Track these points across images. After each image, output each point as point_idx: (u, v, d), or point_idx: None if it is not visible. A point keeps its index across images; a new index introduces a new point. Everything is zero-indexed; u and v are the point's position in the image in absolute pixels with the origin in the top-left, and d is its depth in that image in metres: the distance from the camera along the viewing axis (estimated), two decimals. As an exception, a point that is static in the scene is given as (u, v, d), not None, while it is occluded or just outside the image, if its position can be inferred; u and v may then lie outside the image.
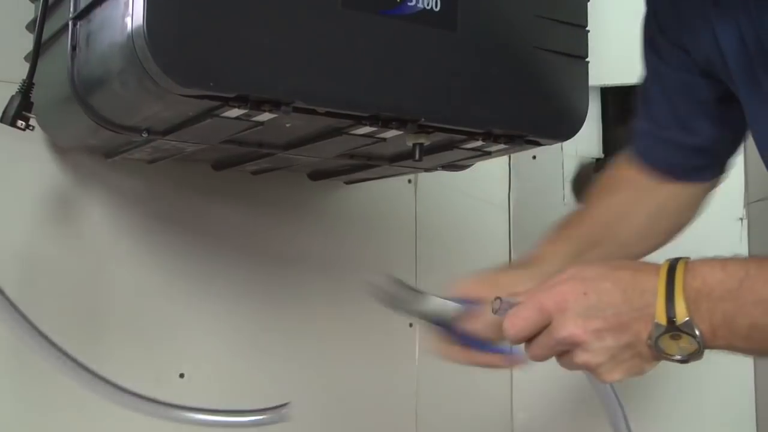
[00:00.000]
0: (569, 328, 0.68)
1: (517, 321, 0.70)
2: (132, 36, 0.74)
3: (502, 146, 1.00)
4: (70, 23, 0.87)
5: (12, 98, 0.94)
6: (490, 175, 1.54)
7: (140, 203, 1.20)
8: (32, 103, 0.95)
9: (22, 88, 0.94)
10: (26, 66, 1.04)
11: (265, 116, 0.82)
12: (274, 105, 0.80)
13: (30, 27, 1.03)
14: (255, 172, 1.25)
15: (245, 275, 1.29)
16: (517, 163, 1.58)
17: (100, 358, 1.15)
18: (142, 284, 1.20)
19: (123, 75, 0.79)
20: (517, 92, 0.96)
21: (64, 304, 1.13)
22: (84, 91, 0.87)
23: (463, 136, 0.98)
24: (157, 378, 1.20)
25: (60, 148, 1.13)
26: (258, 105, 0.79)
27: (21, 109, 0.94)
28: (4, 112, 0.94)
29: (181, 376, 1.21)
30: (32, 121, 0.95)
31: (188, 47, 0.74)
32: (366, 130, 0.90)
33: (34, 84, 0.94)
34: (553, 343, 0.70)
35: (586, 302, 0.67)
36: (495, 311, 0.74)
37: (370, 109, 0.86)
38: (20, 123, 0.94)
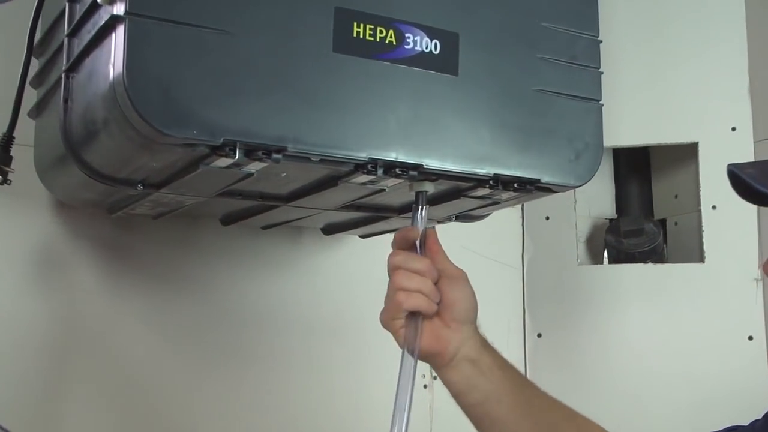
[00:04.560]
0: None
1: None
2: (113, 84, 0.72)
3: (512, 194, 0.95)
4: (62, 76, 0.86)
5: (-10, 152, 0.94)
6: (504, 236, 1.51)
7: (146, 260, 1.18)
8: (11, 157, 0.94)
9: (1, 142, 0.93)
10: (31, 122, 1.04)
11: (255, 165, 0.79)
12: (265, 152, 0.77)
13: (34, 83, 1.03)
14: (264, 227, 1.23)
15: (254, 335, 1.25)
16: (530, 223, 1.56)
17: (104, 424, 1.12)
18: (147, 345, 1.17)
19: (107, 125, 0.77)
20: (524, 136, 0.92)
21: (65, 366, 1.11)
22: (76, 144, 0.85)
23: (470, 184, 0.93)
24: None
25: (64, 205, 1.11)
26: (248, 153, 0.76)
27: None
28: (-19, 166, 0.93)
29: (191, 440, 1.17)
30: (11, 176, 0.94)
31: (170, 94, 0.72)
32: (365, 178, 0.86)
33: (14, 138, 0.94)
34: None
35: None
36: None
37: (365, 154, 0.82)
38: None
